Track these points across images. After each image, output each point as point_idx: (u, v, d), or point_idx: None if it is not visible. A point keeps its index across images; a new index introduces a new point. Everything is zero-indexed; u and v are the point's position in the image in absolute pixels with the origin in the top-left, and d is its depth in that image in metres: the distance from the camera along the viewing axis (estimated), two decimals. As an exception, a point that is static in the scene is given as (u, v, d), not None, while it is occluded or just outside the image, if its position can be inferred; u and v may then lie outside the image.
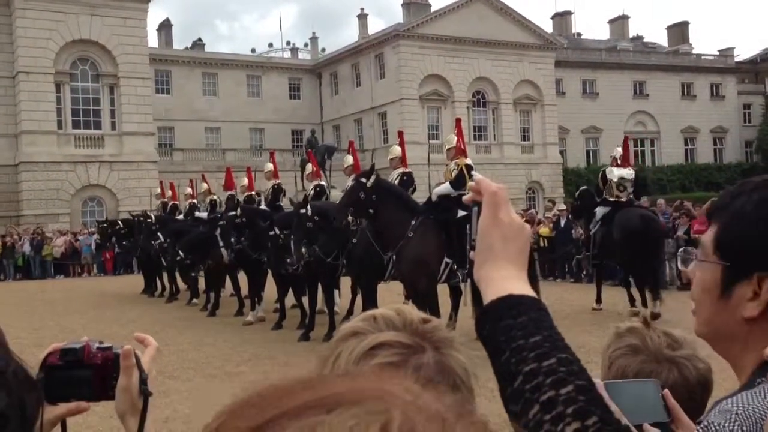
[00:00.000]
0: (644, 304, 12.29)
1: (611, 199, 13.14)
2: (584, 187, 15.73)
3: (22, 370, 0.81)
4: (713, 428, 1.07)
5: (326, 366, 1.02)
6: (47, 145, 36.63)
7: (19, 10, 36.13)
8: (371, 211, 9.73)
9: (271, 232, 12.26)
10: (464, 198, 1.17)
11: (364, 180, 9.75)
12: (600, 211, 13.34)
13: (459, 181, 10.22)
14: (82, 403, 1.22)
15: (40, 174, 36.26)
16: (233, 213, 14.10)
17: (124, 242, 21.76)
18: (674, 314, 10.94)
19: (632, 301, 12.84)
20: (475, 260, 1.02)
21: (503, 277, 0.98)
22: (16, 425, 0.75)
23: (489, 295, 0.96)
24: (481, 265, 1.01)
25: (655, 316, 11.10)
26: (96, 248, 29.57)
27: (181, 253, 15.19)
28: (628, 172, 13.44)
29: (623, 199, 13.04)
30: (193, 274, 16.84)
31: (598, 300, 13.46)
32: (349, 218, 9.79)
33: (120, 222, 22.58)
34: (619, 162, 13.74)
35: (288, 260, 11.61)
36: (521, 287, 0.97)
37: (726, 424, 1.05)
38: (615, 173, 13.33)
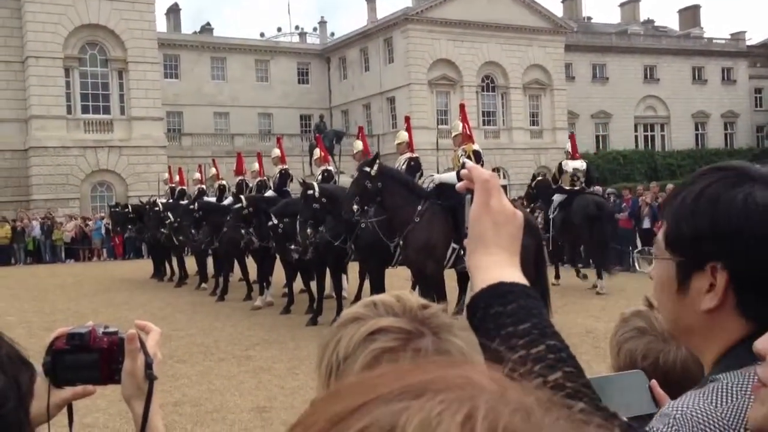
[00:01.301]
0: (599, 276, 14.02)
1: (567, 188, 15.03)
2: (540, 177, 18.10)
3: (14, 350, 0.83)
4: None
5: (327, 351, 1.03)
6: (57, 130, 36.74)
7: (27, -6, 36.16)
8: (378, 199, 9.76)
9: (270, 222, 12.27)
10: (457, 186, 1.17)
11: (367, 169, 9.75)
12: (557, 198, 15.24)
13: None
14: (89, 387, 1.23)
15: (49, 159, 36.41)
16: (240, 205, 14.07)
17: (129, 226, 21.82)
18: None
19: (584, 277, 15.06)
20: (467, 247, 1.02)
21: (494, 264, 0.98)
22: (14, 404, 0.77)
23: (480, 283, 0.97)
24: (473, 252, 1.01)
25: (599, 292, 13.46)
26: (106, 233, 29.75)
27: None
28: (581, 164, 15.38)
29: (577, 188, 14.92)
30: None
31: (557, 276, 15.39)
32: (355, 208, 9.79)
33: (130, 206, 22.65)
34: (570, 155, 15.83)
35: (293, 247, 11.63)
36: (512, 274, 0.97)
37: (664, 430, 1.03)
38: (570, 165, 15.24)
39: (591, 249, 15.18)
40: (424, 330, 1.00)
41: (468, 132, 10.95)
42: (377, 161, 9.93)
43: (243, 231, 13.60)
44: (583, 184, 15.15)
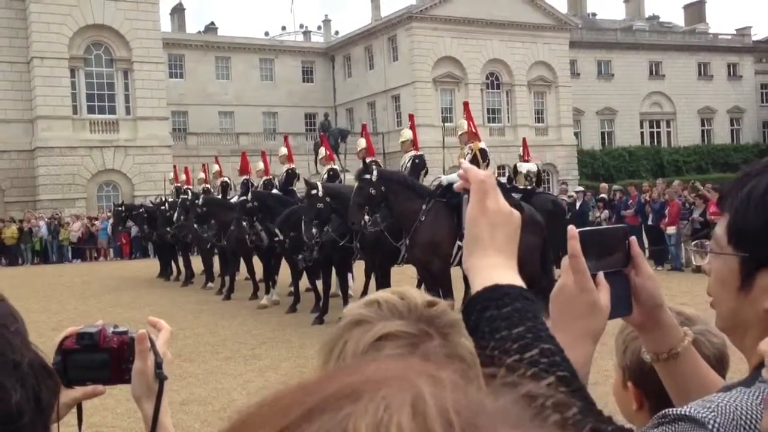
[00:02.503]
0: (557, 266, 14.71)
1: (521, 187, 15.43)
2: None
3: (38, 358, 0.83)
4: (690, 411, 1.02)
5: (332, 356, 1.02)
6: (63, 130, 36.85)
7: (32, -5, 36.25)
8: (383, 204, 9.81)
9: (276, 238, 12.29)
10: (455, 186, 1.17)
11: (368, 176, 9.74)
12: (516, 196, 16.13)
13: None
14: (98, 387, 1.23)
15: (56, 159, 36.51)
16: (244, 198, 14.11)
17: (128, 224, 21.91)
18: (689, 297, 10.90)
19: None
20: (464, 249, 1.01)
21: (491, 267, 0.97)
22: (31, 417, 0.76)
23: (476, 285, 0.96)
24: (470, 254, 1.00)
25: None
26: (112, 232, 29.80)
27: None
28: (533, 166, 16.07)
29: (529, 187, 15.44)
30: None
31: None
32: (366, 218, 9.83)
33: (123, 205, 22.72)
34: (522, 158, 16.54)
35: (300, 257, 11.63)
36: (508, 276, 0.96)
37: (702, 412, 1.01)
38: (524, 167, 15.86)
39: (553, 245, 16.19)
40: (431, 331, 1.00)
41: (473, 130, 10.94)
42: (374, 166, 9.92)
43: (247, 225, 13.60)
44: (534, 185, 15.93)
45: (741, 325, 1.12)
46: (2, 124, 36.96)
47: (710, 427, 1.00)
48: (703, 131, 58.17)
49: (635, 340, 1.70)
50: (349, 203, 10.34)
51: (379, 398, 0.42)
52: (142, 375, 1.23)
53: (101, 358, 1.22)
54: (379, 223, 10.15)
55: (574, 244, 1.08)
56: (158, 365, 1.24)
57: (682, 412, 1.02)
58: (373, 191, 9.65)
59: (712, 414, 1.01)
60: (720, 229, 1.14)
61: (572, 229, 1.09)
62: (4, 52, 36.90)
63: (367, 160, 12.74)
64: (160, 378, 1.24)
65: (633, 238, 1.17)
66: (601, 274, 1.11)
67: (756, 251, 1.07)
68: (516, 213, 1.03)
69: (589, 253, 1.10)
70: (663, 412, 1.03)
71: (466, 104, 12.17)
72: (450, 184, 9.97)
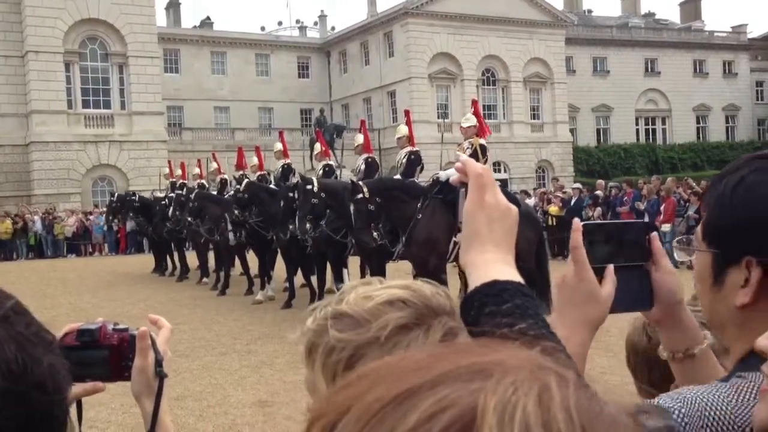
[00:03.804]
0: None
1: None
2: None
3: (58, 342, 0.87)
4: (659, 401, 1.04)
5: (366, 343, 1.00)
6: (57, 125, 36.73)
7: (27, -11, 36.09)
8: (385, 212, 9.91)
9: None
10: (451, 179, 1.17)
11: (360, 195, 9.72)
12: None
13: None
14: (99, 384, 1.24)
15: (50, 153, 36.40)
16: (237, 187, 14.12)
17: (120, 216, 21.85)
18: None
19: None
20: (461, 244, 1.01)
21: (489, 261, 0.96)
22: (68, 391, 0.82)
23: (474, 281, 0.95)
24: (467, 249, 0.99)
25: None
26: (108, 227, 29.75)
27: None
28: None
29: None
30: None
31: None
32: (376, 235, 10.02)
33: (116, 196, 22.57)
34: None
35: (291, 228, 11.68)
36: (507, 272, 0.95)
37: (670, 402, 1.02)
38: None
39: None
40: (455, 324, 1.01)
41: (482, 126, 11.01)
42: (361, 185, 9.89)
43: (238, 215, 13.71)
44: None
45: (718, 321, 1.13)
46: (-3, 119, 36.85)
47: (675, 415, 1.01)
48: (698, 128, 58.27)
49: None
50: (344, 198, 10.39)
51: (509, 381, 0.44)
52: (142, 372, 1.24)
53: (101, 355, 1.23)
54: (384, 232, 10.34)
55: (576, 235, 1.09)
56: (158, 363, 1.25)
57: (653, 403, 1.04)
58: (371, 207, 9.78)
59: (679, 404, 1.03)
60: (700, 226, 1.16)
61: (576, 222, 1.11)
62: (-1, 46, 36.78)
63: (364, 155, 12.80)
64: (161, 375, 1.25)
65: (654, 234, 1.18)
66: (610, 267, 1.12)
67: (726, 248, 1.08)
68: (514, 208, 1.02)
69: (596, 245, 1.11)
70: (636, 404, 1.05)
71: (474, 102, 12.15)
72: (446, 180, 9.99)
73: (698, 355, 1.20)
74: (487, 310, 0.91)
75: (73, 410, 1.29)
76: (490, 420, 0.42)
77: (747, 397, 1.02)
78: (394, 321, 0.99)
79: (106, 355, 1.23)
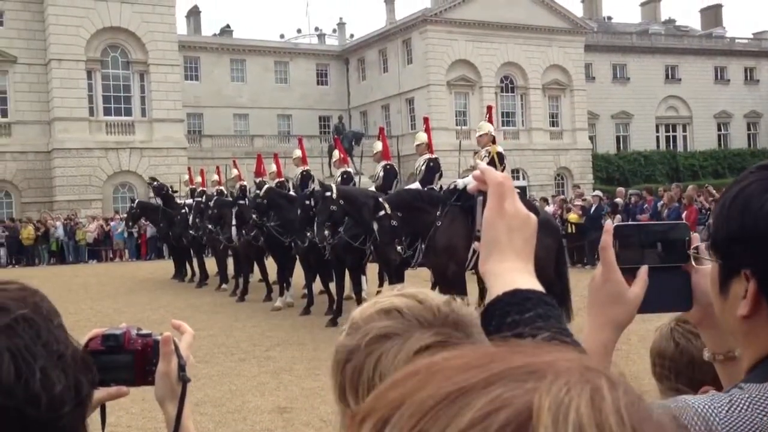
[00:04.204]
0: None
1: None
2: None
3: (79, 352, 0.86)
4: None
5: (365, 371, 1.00)
6: (79, 132, 37.14)
7: (50, -2, 36.60)
8: (406, 224, 9.93)
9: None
10: (469, 188, 1.17)
11: (383, 212, 9.73)
12: None
13: None
14: (122, 388, 1.25)
15: (72, 160, 36.81)
16: (257, 192, 14.23)
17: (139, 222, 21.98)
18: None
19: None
20: (480, 253, 1.00)
21: (509, 271, 0.96)
22: (71, 407, 0.79)
23: (495, 290, 0.95)
24: (487, 258, 0.99)
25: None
26: (128, 234, 30.03)
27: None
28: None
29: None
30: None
31: None
32: (399, 249, 10.08)
33: (136, 202, 22.75)
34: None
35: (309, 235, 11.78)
36: (528, 281, 0.95)
37: (670, 404, 1.02)
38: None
39: None
40: (459, 335, 1.01)
41: (493, 134, 10.99)
42: (380, 202, 9.90)
43: (256, 220, 13.82)
44: None
45: (729, 329, 1.13)
46: (20, 126, 37.32)
47: None
48: (719, 136, 57.72)
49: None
50: (364, 206, 10.41)
51: (562, 382, 0.45)
52: (165, 377, 1.25)
53: (126, 360, 1.24)
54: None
55: (606, 237, 1.11)
56: (181, 368, 1.26)
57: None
58: (393, 222, 9.73)
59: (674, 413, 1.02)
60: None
61: (608, 223, 1.13)
62: (23, 54, 37.25)
63: (383, 162, 12.82)
64: (184, 380, 1.26)
65: (695, 235, 1.18)
66: (643, 268, 1.12)
67: (726, 260, 1.08)
68: (533, 216, 1.01)
69: (629, 247, 1.13)
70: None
71: (489, 108, 12.14)
72: (464, 188, 9.98)
73: (739, 357, 1.19)
74: (510, 320, 0.91)
75: (96, 414, 1.30)
76: (545, 420, 0.42)
77: (740, 408, 1.01)
78: (377, 330, 1.02)
79: (130, 359, 1.24)
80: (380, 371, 0.98)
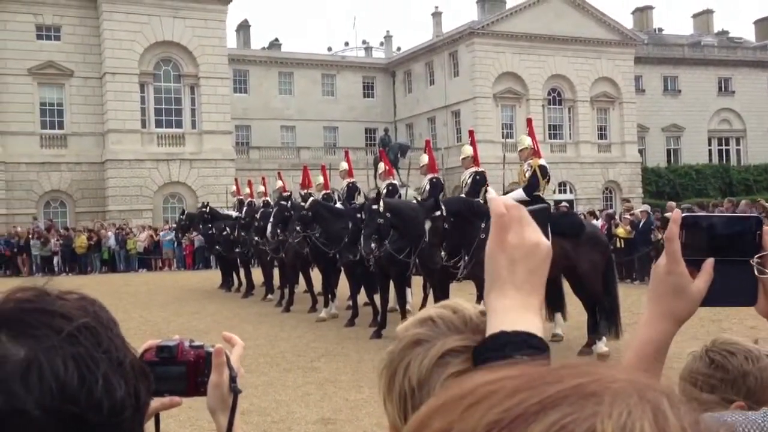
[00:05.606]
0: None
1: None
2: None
3: (137, 360, 0.88)
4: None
5: (396, 377, 1.03)
6: (132, 144, 38.07)
7: (106, 12, 37.65)
8: (455, 232, 9.91)
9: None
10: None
11: (438, 213, 9.75)
12: None
13: (532, 184, 10.27)
14: (175, 398, 1.28)
15: (125, 171, 37.73)
16: (302, 204, 14.36)
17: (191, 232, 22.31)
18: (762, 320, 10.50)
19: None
20: (484, 287, 0.99)
21: (504, 309, 0.94)
22: (131, 413, 0.82)
23: (489, 329, 0.94)
24: (488, 292, 0.97)
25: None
26: (177, 244, 30.57)
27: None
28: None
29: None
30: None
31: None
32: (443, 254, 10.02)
33: (185, 212, 23.13)
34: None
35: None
36: (522, 320, 0.92)
37: (737, 417, 1.02)
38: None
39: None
40: None
41: (536, 147, 10.86)
42: (439, 202, 9.95)
43: (300, 231, 13.93)
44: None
45: None
46: (75, 137, 38.41)
47: None
48: (774, 149, 56.21)
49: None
50: (409, 219, 10.41)
51: (623, 404, 0.43)
52: (217, 388, 1.28)
53: (179, 371, 1.27)
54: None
55: (673, 227, 1.09)
56: (233, 379, 1.28)
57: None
58: (445, 225, 9.72)
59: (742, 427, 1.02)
60: None
61: (677, 213, 1.10)
62: (79, 68, 38.38)
63: (429, 175, 12.82)
64: (235, 391, 1.28)
65: (767, 229, 1.14)
66: (708, 261, 1.10)
67: None
68: (543, 244, 0.97)
69: (696, 239, 1.10)
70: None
71: (529, 121, 12.07)
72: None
73: None
74: (488, 366, 0.91)
75: (150, 424, 1.34)
76: None
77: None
78: (410, 336, 1.06)
79: (183, 371, 1.27)
80: (408, 376, 1.01)
